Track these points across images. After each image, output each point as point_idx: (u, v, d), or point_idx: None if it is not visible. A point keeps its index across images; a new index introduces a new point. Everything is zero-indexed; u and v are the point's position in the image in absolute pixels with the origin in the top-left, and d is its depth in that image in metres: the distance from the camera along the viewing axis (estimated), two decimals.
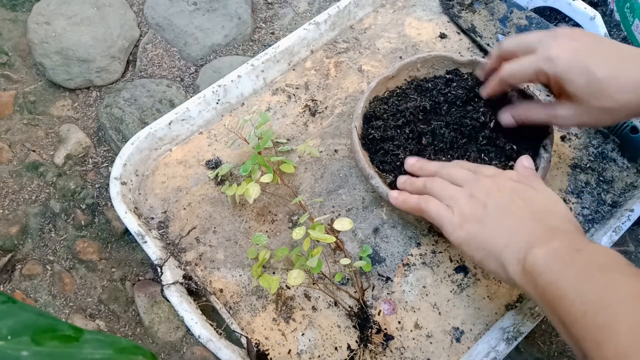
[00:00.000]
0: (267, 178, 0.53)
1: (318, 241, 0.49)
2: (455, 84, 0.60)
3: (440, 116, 0.57)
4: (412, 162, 0.53)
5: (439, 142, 0.55)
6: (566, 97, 0.47)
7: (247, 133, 0.59)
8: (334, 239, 0.48)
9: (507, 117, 0.53)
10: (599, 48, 0.45)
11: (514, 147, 0.53)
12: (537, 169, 0.53)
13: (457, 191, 0.46)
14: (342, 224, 0.49)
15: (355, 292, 0.52)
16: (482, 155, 0.55)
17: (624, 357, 0.30)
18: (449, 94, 0.59)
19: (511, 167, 0.54)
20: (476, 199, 0.45)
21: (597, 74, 0.44)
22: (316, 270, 0.48)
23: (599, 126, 0.47)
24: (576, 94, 0.45)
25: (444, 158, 0.55)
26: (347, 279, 0.53)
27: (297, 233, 0.49)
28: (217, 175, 0.58)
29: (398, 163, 0.55)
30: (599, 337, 0.31)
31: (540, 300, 0.37)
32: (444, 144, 0.55)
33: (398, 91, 0.60)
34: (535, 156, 0.54)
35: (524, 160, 0.49)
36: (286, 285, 0.53)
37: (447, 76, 0.60)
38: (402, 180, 0.53)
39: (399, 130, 0.56)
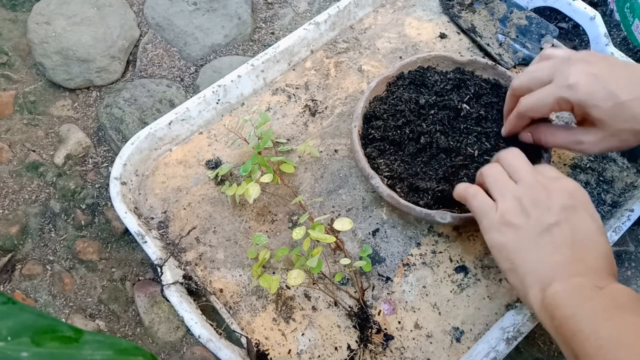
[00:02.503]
0: (267, 178, 0.53)
1: (318, 241, 0.49)
2: (459, 82, 0.60)
3: (439, 116, 0.57)
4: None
5: (438, 142, 0.55)
6: (590, 124, 0.46)
7: (247, 133, 0.59)
8: (334, 239, 0.48)
9: (527, 137, 0.52)
10: (616, 71, 0.45)
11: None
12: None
13: (509, 188, 0.44)
14: (342, 224, 0.49)
15: (355, 292, 0.52)
16: (483, 155, 0.55)
17: None
18: (452, 93, 0.59)
19: None
20: (523, 205, 0.43)
21: (621, 97, 0.43)
22: (316, 271, 0.48)
23: (624, 149, 0.46)
24: (602, 119, 0.44)
25: (444, 155, 0.55)
26: (347, 279, 0.53)
27: (297, 233, 0.49)
28: (217, 175, 0.58)
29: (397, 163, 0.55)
30: None
31: (555, 332, 0.38)
32: (443, 143, 0.55)
33: (398, 89, 0.60)
34: (535, 156, 0.54)
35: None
36: (286, 285, 0.53)
37: (451, 74, 0.60)
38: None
39: (399, 131, 0.56)
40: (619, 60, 0.47)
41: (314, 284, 0.51)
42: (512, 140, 0.54)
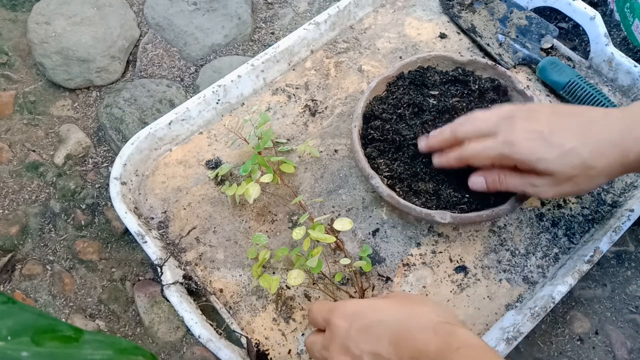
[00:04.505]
0: (267, 178, 0.53)
1: (318, 241, 0.49)
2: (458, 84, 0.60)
3: (439, 116, 0.57)
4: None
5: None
6: (541, 174, 0.46)
7: (247, 133, 0.59)
8: (334, 239, 0.48)
9: (479, 182, 0.50)
10: (563, 120, 0.45)
11: None
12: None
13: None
14: (342, 224, 0.49)
15: (355, 292, 0.52)
16: None
17: None
18: (448, 93, 0.59)
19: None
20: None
21: (567, 145, 0.44)
22: (316, 271, 0.48)
23: (582, 193, 0.46)
24: (549, 169, 0.44)
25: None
26: (347, 279, 0.53)
27: (297, 233, 0.49)
28: (217, 175, 0.58)
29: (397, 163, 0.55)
30: None
31: None
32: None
33: (398, 89, 0.60)
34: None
35: None
36: (286, 285, 0.53)
37: (451, 74, 0.60)
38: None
39: (398, 131, 0.56)
40: (563, 107, 0.48)
41: (314, 284, 0.51)
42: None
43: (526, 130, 0.45)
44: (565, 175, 0.44)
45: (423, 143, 0.53)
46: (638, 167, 0.44)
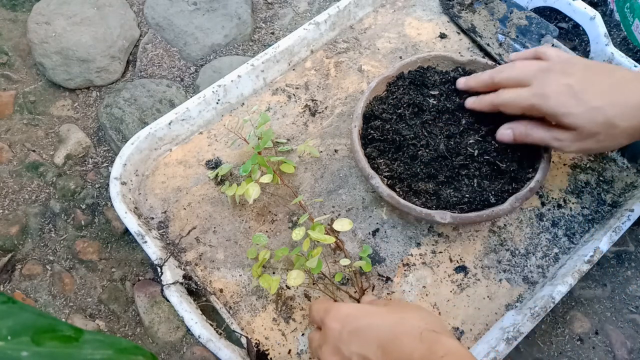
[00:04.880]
0: (267, 178, 0.53)
1: (318, 242, 0.49)
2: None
3: (439, 116, 0.57)
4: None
5: (438, 142, 0.55)
6: (566, 129, 0.48)
7: (247, 133, 0.59)
8: (334, 240, 0.48)
9: (507, 134, 0.53)
10: (596, 78, 0.47)
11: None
12: (537, 170, 0.53)
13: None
14: (342, 225, 0.49)
15: (355, 292, 0.52)
16: (483, 155, 0.55)
17: None
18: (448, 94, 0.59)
19: (508, 168, 0.54)
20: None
21: (593, 103, 0.46)
22: (316, 271, 0.48)
23: (602, 151, 0.49)
24: (575, 124, 0.47)
25: (443, 155, 0.55)
26: (347, 279, 0.53)
27: (297, 234, 0.49)
28: (217, 176, 0.58)
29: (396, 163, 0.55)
30: None
31: None
32: (443, 143, 0.55)
33: (398, 90, 0.60)
34: (535, 156, 0.54)
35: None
36: (286, 285, 0.53)
37: (451, 74, 0.60)
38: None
39: (398, 131, 0.56)
40: (598, 65, 0.50)
41: (314, 284, 0.51)
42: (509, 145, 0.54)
43: (558, 84, 0.47)
44: (588, 132, 0.46)
45: (462, 82, 0.57)
46: None
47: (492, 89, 0.53)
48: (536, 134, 0.50)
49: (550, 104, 0.47)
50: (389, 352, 0.37)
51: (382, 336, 0.38)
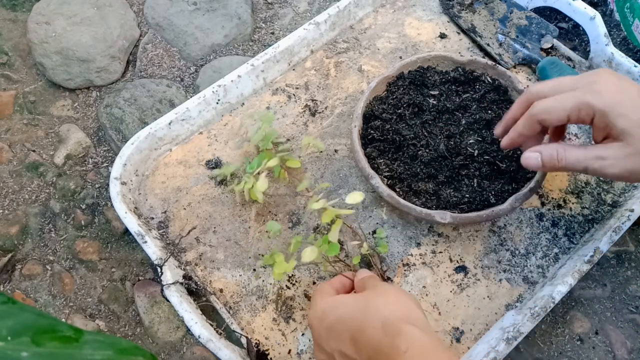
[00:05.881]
0: (273, 162, 0.52)
1: (330, 223, 0.47)
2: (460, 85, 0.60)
3: (439, 116, 0.57)
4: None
5: (438, 142, 0.55)
6: (612, 139, 0.42)
7: (249, 133, 0.59)
8: (351, 212, 0.48)
9: (534, 158, 0.45)
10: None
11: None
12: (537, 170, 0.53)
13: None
14: (354, 197, 0.48)
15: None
16: (483, 155, 0.55)
17: None
18: (451, 93, 0.59)
19: (508, 168, 0.54)
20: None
21: None
22: (332, 252, 0.47)
23: None
24: (628, 130, 0.40)
25: (444, 155, 0.55)
26: (366, 262, 0.52)
27: (316, 204, 0.47)
28: (223, 176, 0.58)
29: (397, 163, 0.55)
30: None
31: None
32: (443, 143, 0.55)
33: (398, 90, 0.60)
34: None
35: None
36: (286, 285, 0.53)
37: (452, 74, 0.60)
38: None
39: (398, 131, 0.56)
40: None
41: (331, 264, 0.50)
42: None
43: (614, 83, 0.42)
44: (638, 144, 0.40)
45: (499, 129, 0.50)
46: None
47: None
48: (571, 155, 0.43)
49: (605, 100, 0.41)
50: (360, 347, 0.36)
51: (350, 329, 0.37)
